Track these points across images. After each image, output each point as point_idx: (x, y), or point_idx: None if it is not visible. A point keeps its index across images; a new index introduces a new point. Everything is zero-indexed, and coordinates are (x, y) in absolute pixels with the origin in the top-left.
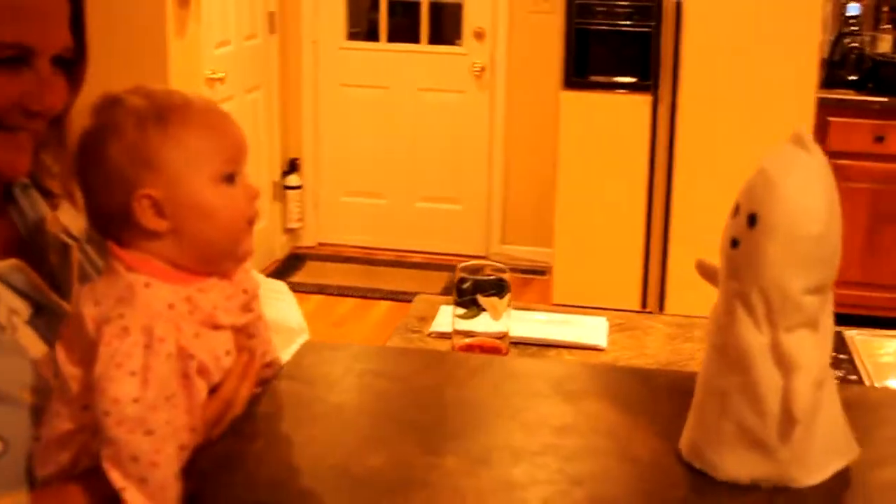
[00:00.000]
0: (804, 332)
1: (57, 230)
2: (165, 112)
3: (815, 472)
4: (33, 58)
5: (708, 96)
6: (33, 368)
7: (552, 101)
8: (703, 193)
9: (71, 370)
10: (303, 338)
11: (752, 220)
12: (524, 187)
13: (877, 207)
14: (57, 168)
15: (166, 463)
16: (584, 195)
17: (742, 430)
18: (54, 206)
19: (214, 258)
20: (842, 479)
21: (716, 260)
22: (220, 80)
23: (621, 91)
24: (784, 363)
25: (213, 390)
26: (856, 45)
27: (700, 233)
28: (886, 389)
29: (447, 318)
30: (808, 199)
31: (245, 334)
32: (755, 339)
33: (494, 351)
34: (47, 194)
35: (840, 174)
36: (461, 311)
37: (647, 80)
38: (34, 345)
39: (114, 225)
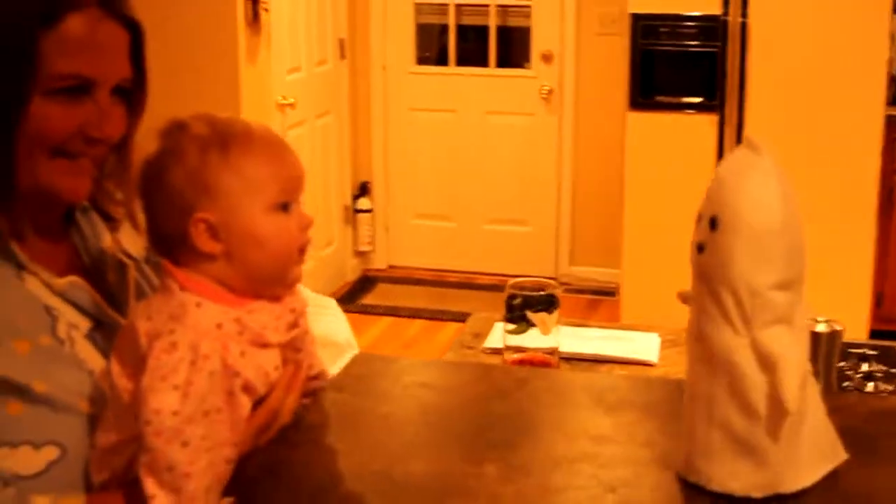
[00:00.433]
0: (780, 328)
1: (115, 251)
2: (227, 140)
3: (803, 475)
4: (94, 88)
5: (774, 114)
6: (90, 379)
7: (619, 122)
8: None
9: (123, 382)
10: (350, 352)
11: (714, 223)
12: (592, 208)
13: None
14: (119, 194)
15: (198, 475)
16: (652, 215)
17: (731, 435)
18: (113, 229)
19: (264, 283)
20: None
21: None
22: (291, 105)
23: (688, 111)
24: (765, 360)
25: (261, 402)
26: None
27: None
28: None
29: (500, 334)
30: (763, 195)
31: (292, 348)
32: (733, 340)
33: (544, 366)
34: (107, 218)
35: None
36: (511, 326)
37: (713, 100)
38: (92, 358)
39: (171, 245)
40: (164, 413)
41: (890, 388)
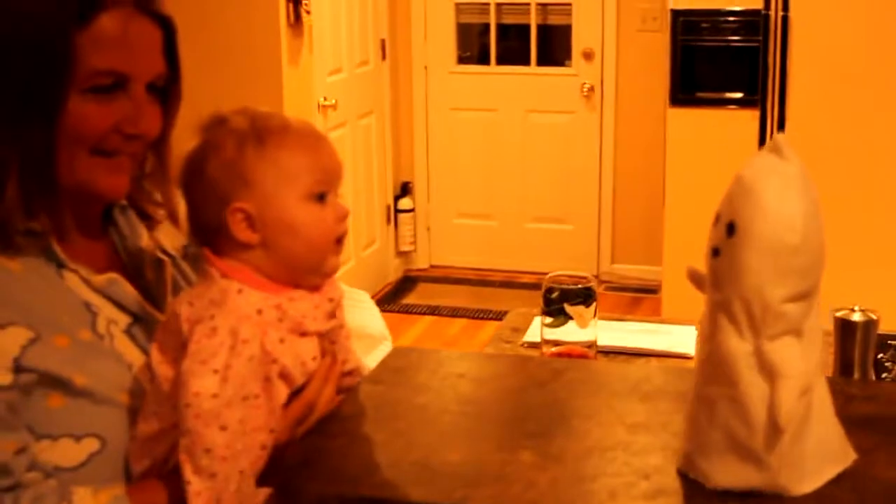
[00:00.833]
0: (788, 339)
1: (153, 248)
2: (264, 133)
3: (808, 479)
4: (129, 85)
5: (816, 109)
6: (129, 373)
7: (660, 118)
8: None
9: (164, 369)
10: (385, 345)
11: (731, 229)
12: (633, 206)
13: None
14: (158, 195)
15: (234, 459)
16: (693, 212)
17: (731, 438)
18: (151, 227)
19: (301, 272)
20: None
21: None
22: (333, 106)
23: (729, 107)
24: (768, 371)
25: (297, 392)
26: None
27: None
28: None
29: (539, 328)
30: (785, 207)
31: (328, 339)
32: (739, 347)
33: (582, 359)
34: (145, 216)
35: None
36: (549, 319)
37: (754, 95)
38: (130, 352)
39: (211, 235)
40: (204, 396)
41: None
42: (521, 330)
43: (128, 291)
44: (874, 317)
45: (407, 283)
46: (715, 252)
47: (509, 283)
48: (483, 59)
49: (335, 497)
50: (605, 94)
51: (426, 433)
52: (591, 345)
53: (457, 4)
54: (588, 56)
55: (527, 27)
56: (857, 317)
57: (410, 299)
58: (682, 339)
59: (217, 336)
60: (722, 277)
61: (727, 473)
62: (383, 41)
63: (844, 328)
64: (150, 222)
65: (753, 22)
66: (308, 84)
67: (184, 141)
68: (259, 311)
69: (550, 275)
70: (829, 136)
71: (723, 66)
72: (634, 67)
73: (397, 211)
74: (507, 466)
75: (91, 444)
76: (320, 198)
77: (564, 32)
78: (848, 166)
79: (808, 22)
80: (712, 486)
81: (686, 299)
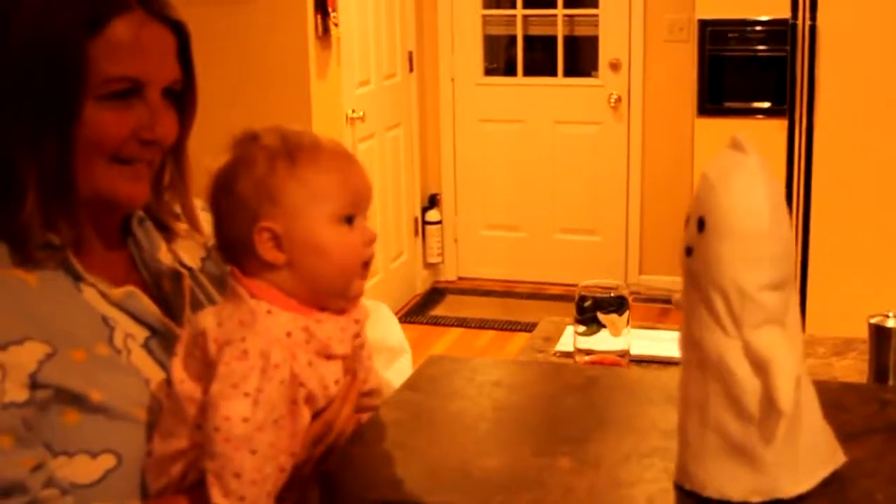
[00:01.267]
0: (772, 328)
1: (171, 260)
2: (294, 151)
3: (802, 480)
4: (144, 90)
5: (844, 118)
6: (147, 388)
7: (688, 128)
8: (841, 217)
9: (186, 389)
10: (405, 357)
11: (701, 224)
12: (661, 216)
13: None
14: (177, 207)
15: (263, 482)
16: None
17: (725, 439)
18: (169, 240)
19: (327, 295)
20: None
21: None
22: (361, 118)
23: (757, 116)
24: (758, 361)
25: (318, 414)
26: None
27: (838, 257)
28: None
29: (571, 337)
30: (750, 197)
31: (350, 358)
32: (724, 342)
33: (615, 367)
34: (163, 228)
35: None
36: (581, 328)
37: (782, 105)
38: (147, 367)
39: (238, 253)
40: (235, 420)
41: None
42: (553, 339)
43: (146, 305)
44: None
45: (435, 294)
46: (688, 251)
47: (537, 295)
48: (510, 71)
49: (375, 502)
50: (632, 105)
51: (464, 440)
52: (624, 353)
53: (483, 16)
54: (615, 67)
55: (553, 38)
56: (891, 323)
57: (438, 311)
58: None
59: (248, 359)
60: (698, 274)
61: (723, 480)
62: (411, 53)
63: (879, 334)
64: (168, 234)
65: (781, 31)
66: (336, 96)
67: (214, 156)
68: (288, 334)
69: (583, 284)
70: (859, 145)
71: (750, 75)
72: (662, 78)
73: (425, 223)
74: (544, 472)
75: (107, 461)
76: (348, 220)
77: (591, 43)
78: (879, 174)
79: (835, 31)
80: (709, 495)
81: None
